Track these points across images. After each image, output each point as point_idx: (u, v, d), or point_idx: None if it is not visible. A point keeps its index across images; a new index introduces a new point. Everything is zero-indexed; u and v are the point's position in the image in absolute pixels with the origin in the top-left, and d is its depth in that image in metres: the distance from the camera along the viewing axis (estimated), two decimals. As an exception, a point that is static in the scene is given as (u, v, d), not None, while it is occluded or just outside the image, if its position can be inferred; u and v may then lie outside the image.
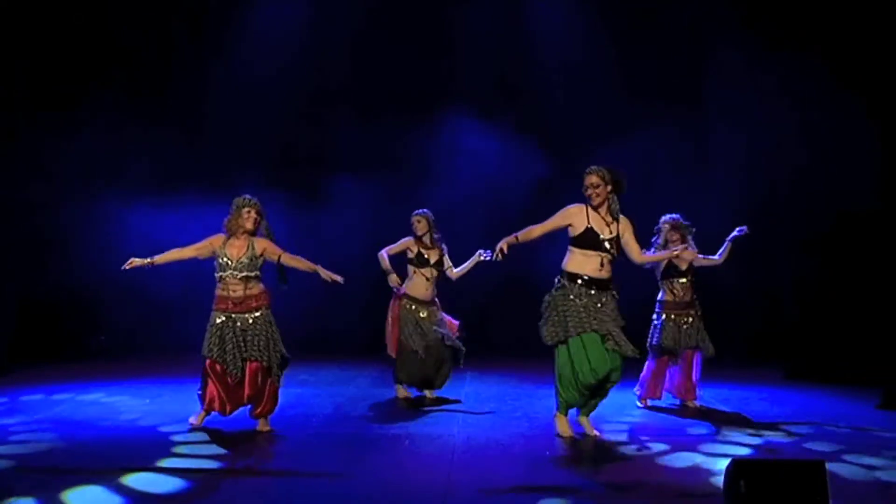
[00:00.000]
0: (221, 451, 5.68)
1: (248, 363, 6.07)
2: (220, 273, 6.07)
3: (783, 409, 7.24)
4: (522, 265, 9.22)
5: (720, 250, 7.36)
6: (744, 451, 5.64)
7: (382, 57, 11.03)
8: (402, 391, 7.61)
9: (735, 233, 7.28)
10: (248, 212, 6.12)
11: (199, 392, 6.24)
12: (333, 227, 10.89)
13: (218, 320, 6.07)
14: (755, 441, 5.95)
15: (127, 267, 6.00)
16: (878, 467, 5.24)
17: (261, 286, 6.17)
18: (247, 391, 6.09)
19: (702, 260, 7.33)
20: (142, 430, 6.24)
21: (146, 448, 5.63)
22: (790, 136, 10.17)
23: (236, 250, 6.09)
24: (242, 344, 6.04)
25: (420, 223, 7.49)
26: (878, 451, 5.63)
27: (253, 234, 6.17)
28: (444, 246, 7.59)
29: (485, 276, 10.05)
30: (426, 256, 7.46)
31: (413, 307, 7.43)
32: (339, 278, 6.16)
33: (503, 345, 10.51)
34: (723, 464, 4.84)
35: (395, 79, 11.05)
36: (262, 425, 6.20)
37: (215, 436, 6.06)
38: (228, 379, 6.04)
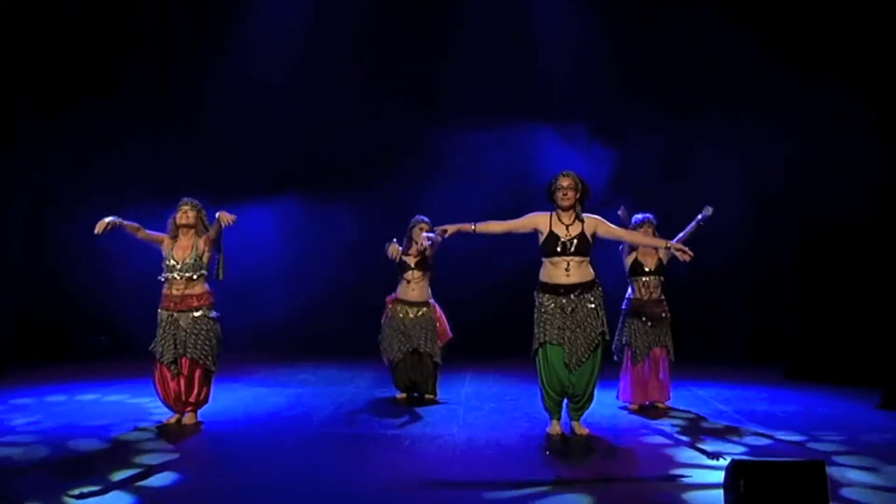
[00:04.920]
0: (220, 450, 5.71)
1: (185, 359, 6.28)
2: (167, 274, 6.31)
3: (783, 409, 7.23)
4: (522, 265, 9.19)
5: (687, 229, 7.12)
6: (743, 452, 5.63)
7: (384, 57, 11.05)
8: (400, 395, 7.62)
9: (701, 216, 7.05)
10: (185, 211, 6.35)
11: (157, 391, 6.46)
12: (336, 228, 10.88)
13: (161, 318, 6.32)
14: (754, 441, 5.95)
15: (98, 230, 6.06)
16: (877, 467, 5.24)
17: (203, 287, 6.37)
18: (183, 386, 6.31)
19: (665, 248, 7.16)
20: (136, 424, 6.27)
21: (130, 443, 5.66)
22: (790, 137, 10.16)
23: (181, 251, 6.32)
24: (181, 342, 6.25)
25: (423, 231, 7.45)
26: (878, 451, 5.62)
27: (192, 227, 6.38)
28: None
29: (485, 276, 10.10)
30: (406, 262, 7.47)
31: (401, 309, 7.46)
32: (231, 218, 6.20)
33: (503, 345, 10.50)
34: (723, 464, 4.86)
35: (398, 79, 11.06)
36: (189, 418, 6.36)
37: (210, 435, 6.08)
38: (168, 374, 6.28)
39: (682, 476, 5.03)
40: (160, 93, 11.04)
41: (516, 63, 11.12)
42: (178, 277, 6.26)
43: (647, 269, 7.18)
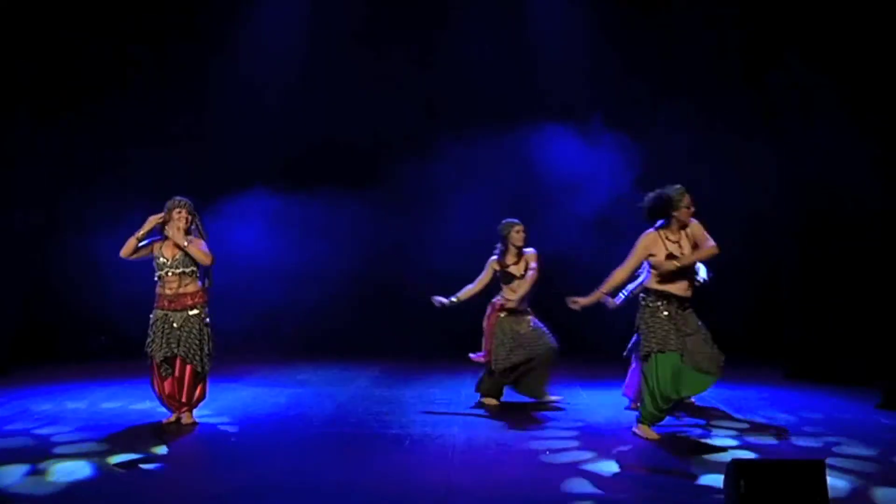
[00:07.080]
0: (220, 450, 5.71)
1: (177, 359, 6.29)
2: (159, 272, 6.36)
3: (783, 409, 7.23)
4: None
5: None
6: (743, 452, 5.63)
7: (385, 56, 11.06)
8: (489, 400, 7.41)
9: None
10: (179, 212, 6.38)
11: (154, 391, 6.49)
12: (337, 228, 10.87)
13: (155, 317, 6.35)
14: (754, 441, 5.95)
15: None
16: (877, 468, 5.24)
17: (197, 285, 6.41)
18: (175, 386, 6.33)
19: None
20: (136, 424, 6.28)
21: (131, 442, 5.68)
22: (791, 138, 10.16)
23: (170, 250, 6.36)
24: (174, 340, 6.25)
25: (521, 233, 7.22)
26: (878, 451, 5.63)
27: (187, 232, 6.40)
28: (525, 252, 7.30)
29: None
30: (510, 272, 7.25)
31: (513, 321, 7.24)
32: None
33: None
34: (722, 463, 4.86)
35: (399, 78, 11.06)
36: (186, 417, 6.38)
37: (209, 436, 6.09)
38: (161, 373, 6.32)
39: (681, 477, 5.04)
40: (160, 97, 11.02)
41: (518, 59, 11.10)
42: (170, 274, 6.30)
43: None
